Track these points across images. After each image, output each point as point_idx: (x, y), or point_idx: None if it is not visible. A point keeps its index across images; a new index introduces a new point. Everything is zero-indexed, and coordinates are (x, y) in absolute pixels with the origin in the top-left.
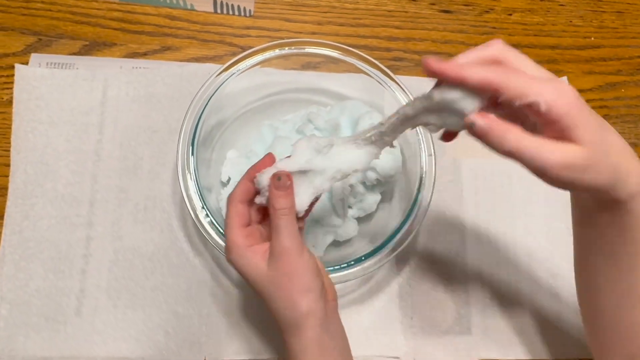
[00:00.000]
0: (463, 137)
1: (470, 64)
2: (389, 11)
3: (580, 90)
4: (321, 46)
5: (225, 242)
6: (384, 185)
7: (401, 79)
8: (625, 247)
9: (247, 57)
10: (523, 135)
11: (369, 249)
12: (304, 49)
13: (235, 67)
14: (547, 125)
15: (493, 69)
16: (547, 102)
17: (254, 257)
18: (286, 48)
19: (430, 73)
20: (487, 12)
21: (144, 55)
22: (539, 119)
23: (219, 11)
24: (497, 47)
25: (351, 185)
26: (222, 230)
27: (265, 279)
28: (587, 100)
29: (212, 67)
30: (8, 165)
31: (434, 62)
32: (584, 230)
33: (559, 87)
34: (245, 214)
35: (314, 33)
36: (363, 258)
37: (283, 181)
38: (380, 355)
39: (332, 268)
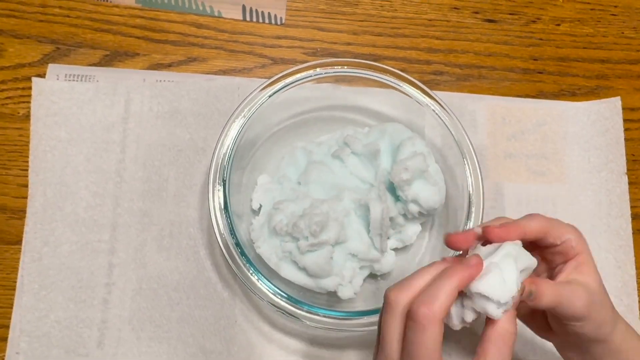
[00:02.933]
0: (506, 159)
1: (515, 223)
2: (430, 20)
3: (632, 109)
4: (360, 67)
5: None
6: (425, 217)
7: (442, 95)
8: None
9: (291, 75)
10: (552, 284)
11: None
12: (344, 68)
13: (278, 84)
14: (568, 261)
15: (540, 219)
16: (575, 238)
17: None
18: (325, 69)
19: (464, 244)
20: (533, 21)
21: (168, 66)
22: (563, 257)
23: (248, 19)
24: (539, 222)
25: (391, 218)
26: (252, 262)
27: None
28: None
29: (242, 82)
30: (26, 185)
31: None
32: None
33: (577, 230)
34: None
35: (349, 44)
36: None
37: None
38: None
39: (371, 309)
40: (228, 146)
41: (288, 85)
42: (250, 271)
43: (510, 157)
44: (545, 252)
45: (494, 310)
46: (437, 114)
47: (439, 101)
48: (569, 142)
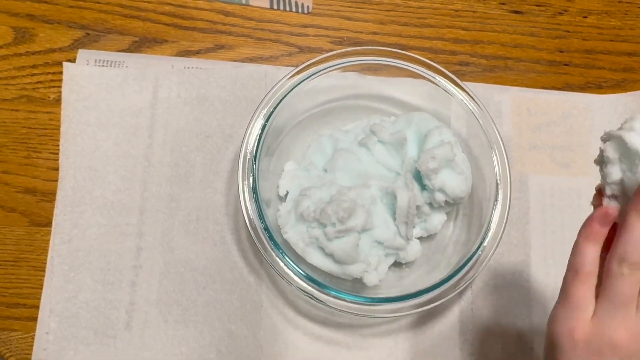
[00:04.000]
0: (531, 150)
1: None
2: (456, 10)
3: None
4: (387, 55)
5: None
6: (451, 206)
7: (467, 85)
8: None
9: (318, 63)
10: None
11: (429, 269)
12: (373, 58)
13: (306, 72)
14: None
15: None
16: None
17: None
18: (351, 58)
19: None
20: (560, 13)
21: (196, 53)
22: None
23: (275, 7)
24: None
25: (417, 207)
26: (282, 249)
27: None
28: None
29: (269, 69)
30: (56, 168)
31: None
32: None
33: None
34: None
35: (375, 33)
36: (433, 287)
37: None
38: None
39: (395, 296)
40: (257, 132)
41: (315, 73)
42: (279, 256)
43: (535, 149)
44: None
45: None
46: (465, 103)
47: (468, 91)
48: (594, 134)
